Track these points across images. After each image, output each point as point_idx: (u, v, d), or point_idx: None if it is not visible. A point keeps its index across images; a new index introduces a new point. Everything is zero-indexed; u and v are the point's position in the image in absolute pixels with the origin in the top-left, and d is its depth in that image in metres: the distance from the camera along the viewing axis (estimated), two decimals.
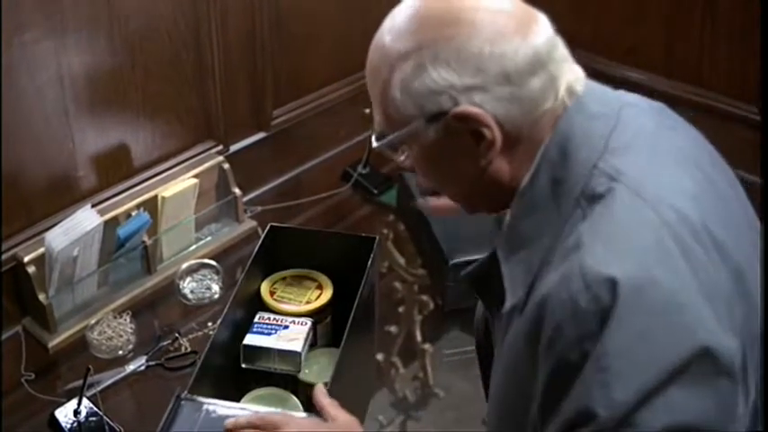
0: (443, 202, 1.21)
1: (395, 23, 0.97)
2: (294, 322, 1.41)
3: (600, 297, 0.83)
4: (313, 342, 1.44)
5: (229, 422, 1.09)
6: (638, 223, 0.89)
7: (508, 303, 0.97)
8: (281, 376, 1.40)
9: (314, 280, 1.50)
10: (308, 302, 1.45)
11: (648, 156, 0.95)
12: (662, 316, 0.83)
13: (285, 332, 1.39)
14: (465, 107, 0.92)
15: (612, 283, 0.83)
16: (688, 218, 0.90)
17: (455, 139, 0.95)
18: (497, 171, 0.97)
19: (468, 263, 1.21)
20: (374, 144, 1.03)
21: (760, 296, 0.94)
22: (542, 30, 0.95)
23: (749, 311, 0.91)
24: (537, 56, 0.92)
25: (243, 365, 1.38)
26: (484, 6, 0.93)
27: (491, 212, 1.11)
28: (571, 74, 0.97)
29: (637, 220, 0.89)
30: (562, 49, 0.97)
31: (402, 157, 1.02)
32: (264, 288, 1.47)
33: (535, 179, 0.96)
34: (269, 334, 1.39)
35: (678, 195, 0.92)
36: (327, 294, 1.47)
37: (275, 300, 1.45)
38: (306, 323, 1.42)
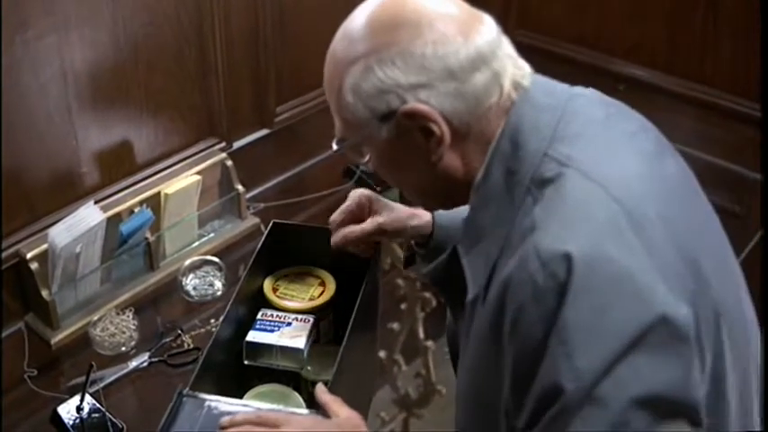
0: (350, 230, 1.32)
1: (345, 32, 1.02)
2: (297, 319, 1.42)
3: (556, 273, 0.86)
4: (315, 339, 1.45)
5: (225, 420, 1.09)
6: (590, 202, 0.92)
7: (470, 294, 1.00)
8: (284, 373, 1.40)
9: (317, 277, 1.50)
10: (310, 299, 1.45)
11: (597, 142, 0.98)
12: (617, 287, 0.86)
13: (288, 329, 1.40)
14: (412, 104, 0.97)
15: (567, 258, 0.86)
16: (636, 196, 0.93)
17: (406, 138, 0.99)
18: (449, 166, 1.01)
19: None
20: (333, 148, 1.09)
21: (759, 295, 0.95)
22: (486, 30, 0.99)
23: (701, 286, 0.93)
24: (479, 54, 0.97)
25: (245, 362, 1.39)
26: (429, 12, 0.98)
27: (448, 209, 1.16)
28: (516, 69, 1.01)
29: (588, 198, 0.92)
30: (507, 48, 1.01)
31: (365, 159, 1.07)
32: (267, 285, 1.47)
33: (488, 172, 0.99)
34: (272, 331, 1.39)
35: (627, 177, 0.95)
36: (330, 291, 1.47)
37: (278, 296, 1.45)
38: (308, 320, 1.42)
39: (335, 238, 1.37)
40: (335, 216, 1.38)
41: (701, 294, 0.92)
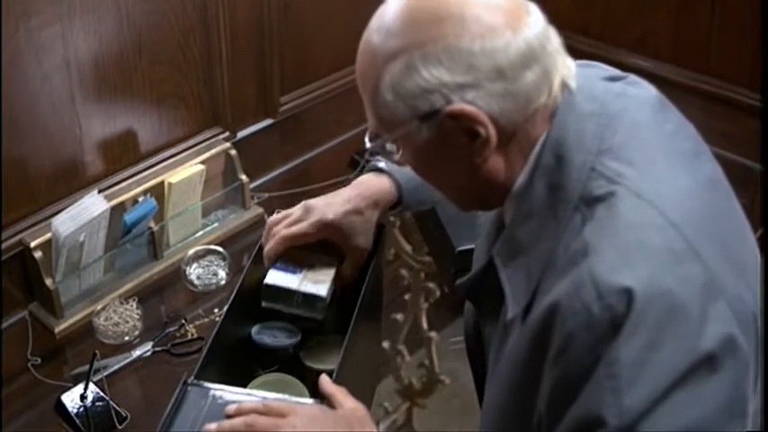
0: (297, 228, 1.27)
1: (383, 22, 0.95)
2: (321, 261, 1.35)
3: (613, 306, 0.84)
4: (319, 328, 1.44)
5: (231, 408, 1.09)
6: (645, 226, 0.88)
7: (510, 313, 0.96)
8: (287, 363, 1.39)
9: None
10: None
11: (644, 152, 0.94)
12: (671, 323, 0.84)
13: (311, 273, 1.33)
14: (458, 105, 0.91)
15: (627, 293, 0.83)
16: (689, 216, 0.90)
17: (449, 138, 0.94)
18: (492, 169, 0.97)
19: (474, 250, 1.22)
20: (367, 145, 1.02)
21: (759, 296, 0.94)
22: (534, 21, 0.93)
23: (753, 297, 0.92)
24: (530, 49, 0.91)
25: (263, 304, 1.35)
26: (474, 2, 0.91)
27: (483, 210, 1.11)
28: (565, 68, 0.95)
29: (642, 222, 0.88)
30: (555, 41, 0.95)
31: (396, 156, 1.01)
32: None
33: (530, 185, 0.95)
34: (293, 272, 1.33)
35: (677, 193, 0.92)
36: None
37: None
38: (332, 264, 1.35)
39: (271, 243, 1.31)
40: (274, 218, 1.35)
41: (751, 302, 0.91)
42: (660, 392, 0.83)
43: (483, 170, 0.96)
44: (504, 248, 1.00)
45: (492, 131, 0.92)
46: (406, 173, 1.32)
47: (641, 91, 1.03)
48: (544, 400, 0.91)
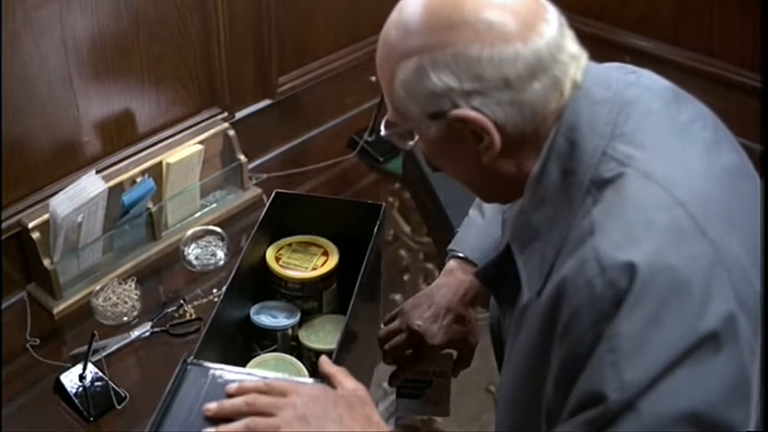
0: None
1: (402, 18, 0.97)
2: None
3: (616, 281, 0.84)
4: (319, 308, 1.44)
5: (233, 387, 1.09)
6: (651, 204, 0.88)
7: (525, 297, 0.97)
8: (286, 343, 1.40)
9: (320, 246, 1.49)
10: (314, 269, 1.44)
11: (657, 137, 0.94)
12: (674, 299, 0.83)
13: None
14: (464, 111, 0.93)
15: (630, 268, 0.84)
16: (699, 197, 0.90)
17: (457, 137, 0.96)
18: (501, 169, 0.98)
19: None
20: (382, 132, 1.04)
21: (760, 283, 0.93)
22: (548, 30, 0.93)
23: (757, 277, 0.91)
24: (539, 60, 0.91)
25: None
26: (488, 10, 0.91)
27: (504, 203, 1.11)
28: (577, 70, 0.95)
29: (649, 201, 0.88)
30: (569, 45, 0.95)
31: (410, 143, 1.02)
32: (270, 254, 1.47)
33: (544, 171, 0.95)
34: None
35: (689, 176, 0.91)
36: (333, 261, 1.47)
37: (281, 266, 1.44)
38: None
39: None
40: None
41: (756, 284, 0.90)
42: (661, 368, 0.83)
43: (492, 169, 0.98)
44: (520, 234, 1.00)
45: (496, 138, 0.93)
46: (482, 249, 1.32)
47: (655, 82, 1.02)
48: (551, 381, 0.91)
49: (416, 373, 1.40)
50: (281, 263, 1.45)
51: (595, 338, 0.85)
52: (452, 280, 1.36)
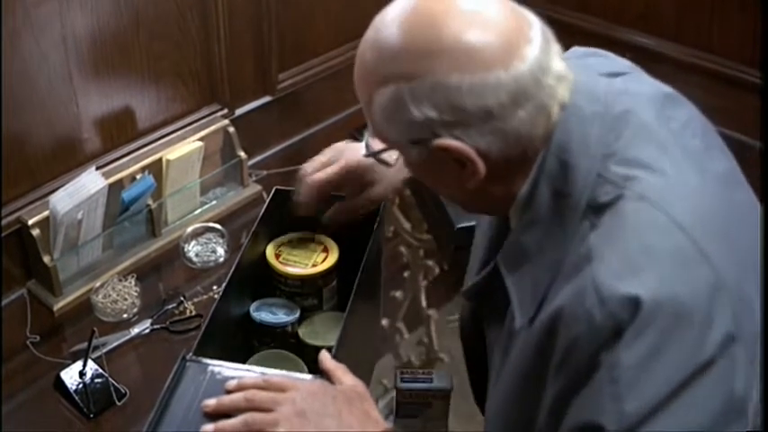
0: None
1: (378, 39, 0.92)
2: None
3: (616, 313, 0.82)
4: (319, 305, 1.44)
5: (232, 383, 1.09)
6: (650, 229, 0.87)
7: (518, 322, 0.95)
8: (286, 340, 1.40)
9: (319, 243, 1.49)
10: (313, 265, 1.44)
11: (650, 154, 0.92)
12: (677, 330, 0.82)
13: None
14: (445, 141, 0.90)
15: (632, 301, 0.82)
16: (698, 219, 0.88)
17: (439, 163, 0.93)
18: (488, 192, 0.95)
19: (474, 228, 1.22)
20: (362, 152, 1.03)
21: (760, 289, 0.93)
22: (530, 52, 0.89)
23: (754, 291, 0.91)
24: (522, 87, 0.88)
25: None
26: (469, 28, 0.87)
27: (495, 216, 1.09)
28: (564, 90, 0.91)
29: (648, 225, 0.87)
30: (556, 67, 0.91)
31: (392, 162, 1.01)
32: (270, 251, 1.47)
33: (535, 193, 0.93)
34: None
35: (684, 191, 0.90)
36: (333, 257, 1.47)
37: (281, 263, 1.44)
38: None
39: (303, 191, 1.31)
40: (307, 166, 1.34)
41: (754, 304, 0.90)
42: (661, 399, 0.82)
43: (476, 193, 0.96)
44: (509, 255, 0.98)
45: (480, 166, 0.91)
46: None
47: (644, 87, 1.00)
48: (545, 411, 0.89)
49: (416, 396, 1.42)
50: (280, 259, 1.45)
51: (594, 368, 0.83)
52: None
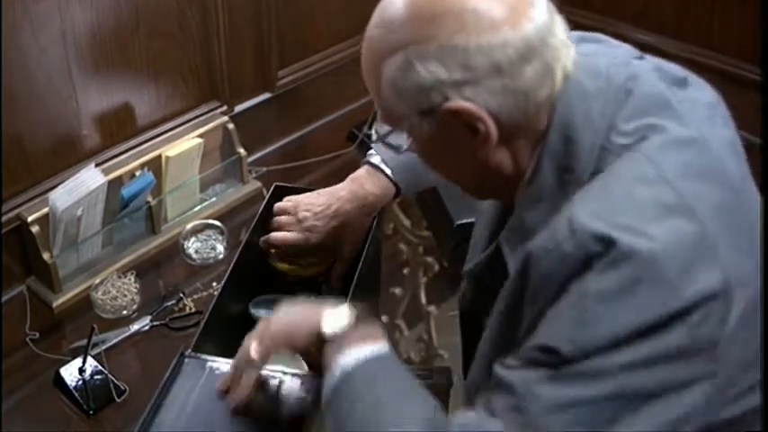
0: (282, 235, 1.37)
1: (382, 18, 0.94)
2: None
3: (587, 245, 0.83)
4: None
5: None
6: (636, 179, 0.87)
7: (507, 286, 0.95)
8: None
9: None
10: (313, 262, 1.44)
11: (653, 117, 0.92)
12: (649, 275, 0.82)
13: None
14: (456, 102, 0.90)
15: (604, 239, 0.82)
16: (692, 171, 0.88)
17: (451, 133, 0.93)
18: (498, 162, 0.95)
19: (473, 224, 1.22)
20: (373, 139, 1.02)
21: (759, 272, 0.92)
22: (537, 14, 0.90)
23: (754, 271, 0.90)
24: (529, 45, 0.89)
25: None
26: None
27: (500, 201, 1.09)
28: (567, 58, 0.93)
29: (634, 175, 0.87)
30: (560, 33, 0.93)
31: (404, 148, 1.00)
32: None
33: (538, 169, 0.94)
34: None
35: (683, 150, 0.90)
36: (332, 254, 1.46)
37: (280, 259, 1.44)
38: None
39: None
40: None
41: (753, 278, 0.89)
42: (620, 337, 0.81)
43: (489, 164, 0.95)
44: (512, 233, 0.99)
45: (492, 127, 0.91)
46: (401, 161, 1.37)
47: (647, 62, 1.01)
48: (522, 337, 0.90)
49: None
50: (280, 256, 1.45)
51: (562, 294, 0.84)
52: (357, 189, 1.40)
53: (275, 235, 1.42)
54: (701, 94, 1.01)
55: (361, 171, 1.42)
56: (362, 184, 1.40)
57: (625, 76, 0.95)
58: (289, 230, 1.40)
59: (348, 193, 1.40)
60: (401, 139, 1.00)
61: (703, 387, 0.85)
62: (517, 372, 0.86)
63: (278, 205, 1.43)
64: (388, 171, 1.40)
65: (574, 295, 0.83)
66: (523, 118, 0.92)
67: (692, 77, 1.03)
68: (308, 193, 1.43)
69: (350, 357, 0.95)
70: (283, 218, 1.41)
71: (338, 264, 1.43)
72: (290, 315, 1.07)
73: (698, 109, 0.97)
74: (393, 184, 1.41)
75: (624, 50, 1.02)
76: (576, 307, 0.83)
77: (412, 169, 1.40)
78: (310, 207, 1.40)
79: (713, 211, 0.87)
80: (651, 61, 1.02)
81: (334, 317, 1.01)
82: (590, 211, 0.84)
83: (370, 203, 1.40)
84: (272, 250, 1.45)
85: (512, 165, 0.96)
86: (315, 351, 1.01)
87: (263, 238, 1.43)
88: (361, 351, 0.96)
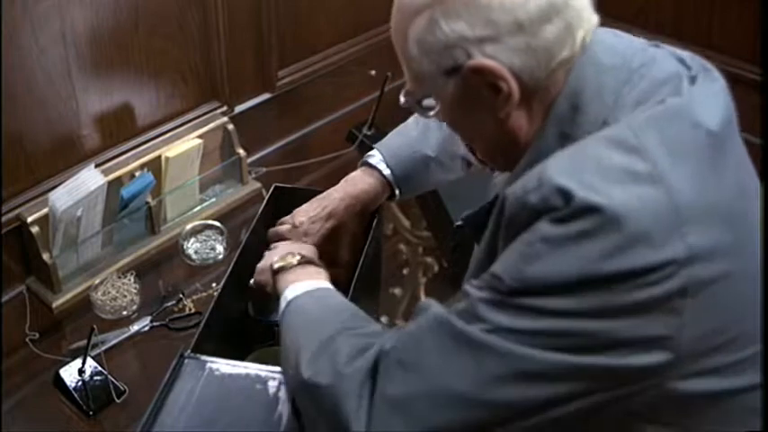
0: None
1: None
2: None
3: (549, 198, 0.85)
4: None
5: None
6: (610, 142, 0.88)
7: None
8: None
9: None
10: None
11: (659, 97, 0.93)
12: (603, 232, 0.83)
13: None
14: (479, 60, 0.92)
15: (564, 194, 0.84)
16: (680, 144, 0.89)
17: (473, 93, 0.95)
18: (516, 125, 0.97)
19: None
20: (401, 100, 1.04)
21: (760, 275, 0.92)
22: None
23: (738, 246, 0.90)
24: (550, 3, 0.91)
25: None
26: None
27: (510, 170, 1.09)
28: (588, 23, 0.95)
29: (611, 139, 0.89)
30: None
31: (431, 113, 1.02)
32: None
33: (543, 131, 0.96)
34: None
35: (676, 124, 0.90)
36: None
37: None
38: None
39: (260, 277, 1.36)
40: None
41: (729, 255, 0.88)
42: (562, 281, 0.83)
43: (507, 126, 0.97)
44: (506, 186, 0.99)
45: (514, 86, 0.93)
46: (402, 162, 1.41)
47: (667, 51, 1.02)
48: None
49: None
50: None
51: (520, 234, 0.87)
52: (350, 189, 1.44)
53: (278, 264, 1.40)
54: (715, 85, 1.01)
55: (357, 172, 1.46)
56: (356, 183, 1.44)
57: (641, 60, 0.96)
58: (287, 239, 1.40)
59: (341, 193, 1.44)
60: (430, 102, 1.02)
61: (664, 354, 0.85)
62: (473, 289, 0.90)
63: (278, 224, 1.45)
64: (387, 171, 1.43)
65: (528, 235, 0.86)
66: (542, 77, 0.94)
67: (708, 66, 1.03)
68: (305, 204, 1.44)
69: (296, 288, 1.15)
70: (282, 227, 1.42)
71: (337, 270, 1.42)
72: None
73: (708, 98, 0.97)
74: (388, 183, 1.44)
75: (641, 41, 1.03)
76: (525, 244, 0.86)
77: (412, 170, 1.42)
78: (305, 213, 1.42)
79: (687, 184, 0.87)
80: (667, 49, 1.03)
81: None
82: (561, 167, 0.87)
83: (363, 202, 1.43)
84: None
85: (526, 129, 0.98)
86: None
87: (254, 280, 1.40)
88: (302, 286, 1.15)
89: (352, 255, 1.43)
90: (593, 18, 0.97)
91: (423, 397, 0.89)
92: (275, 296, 1.22)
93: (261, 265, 1.33)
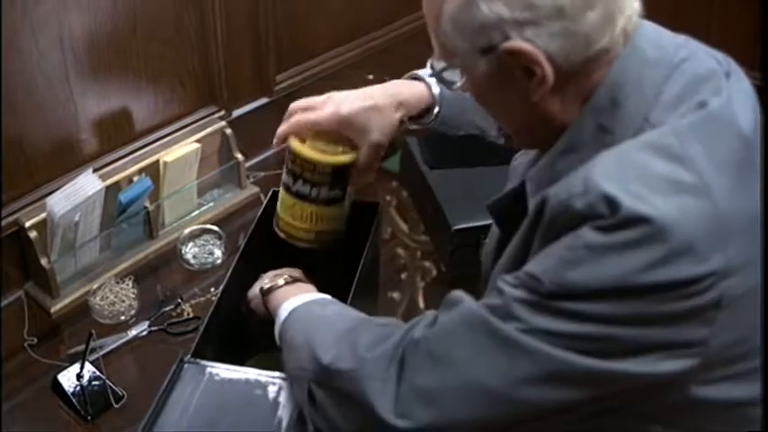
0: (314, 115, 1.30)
1: None
2: None
3: (595, 205, 0.84)
4: (341, 198, 1.35)
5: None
6: (656, 150, 0.87)
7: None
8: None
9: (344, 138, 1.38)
10: (343, 153, 1.31)
11: (699, 96, 0.92)
12: (647, 244, 0.82)
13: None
14: (516, 43, 0.90)
15: (611, 202, 0.83)
16: (721, 153, 0.88)
17: (507, 73, 0.93)
18: (548, 110, 0.96)
19: (471, 229, 1.21)
20: (427, 70, 1.02)
21: (760, 288, 0.92)
22: None
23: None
24: None
25: None
26: None
27: (538, 149, 1.08)
28: (631, 10, 0.93)
29: (656, 146, 0.88)
30: None
31: (458, 84, 1.01)
32: (295, 143, 1.36)
33: (581, 123, 0.94)
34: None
35: (717, 130, 0.90)
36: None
37: (309, 148, 1.33)
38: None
39: (284, 125, 1.32)
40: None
41: (758, 260, 0.89)
42: (602, 288, 0.83)
43: (539, 109, 0.96)
44: (539, 175, 1.00)
45: (549, 71, 0.91)
46: (443, 89, 1.31)
47: (701, 46, 1.01)
48: None
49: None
50: (307, 146, 1.34)
51: (561, 237, 0.86)
52: (390, 87, 1.32)
53: (306, 116, 1.32)
54: (744, 83, 1.01)
55: (401, 80, 1.36)
56: (397, 85, 1.34)
57: (683, 54, 0.95)
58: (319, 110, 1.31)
59: (380, 87, 1.33)
60: (455, 76, 1.01)
61: (691, 360, 0.86)
62: (508, 287, 0.89)
63: (298, 103, 1.37)
64: (436, 90, 1.33)
65: (570, 239, 0.85)
66: (579, 65, 0.92)
67: (733, 64, 1.03)
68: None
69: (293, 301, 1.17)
70: (313, 99, 1.34)
71: (364, 150, 1.30)
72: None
73: (742, 96, 0.97)
74: (430, 94, 1.33)
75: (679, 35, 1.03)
76: (567, 249, 0.85)
77: (454, 99, 1.33)
78: (339, 94, 1.33)
79: (729, 195, 0.86)
80: (699, 44, 1.02)
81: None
82: (607, 173, 0.85)
83: (402, 101, 1.31)
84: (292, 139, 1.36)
85: (560, 113, 0.96)
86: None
87: (280, 129, 1.36)
88: (301, 298, 1.16)
89: (381, 141, 1.31)
90: (635, 5, 0.95)
91: (451, 390, 0.89)
92: (269, 320, 1.21)
93: (251, 292, 1.33)
